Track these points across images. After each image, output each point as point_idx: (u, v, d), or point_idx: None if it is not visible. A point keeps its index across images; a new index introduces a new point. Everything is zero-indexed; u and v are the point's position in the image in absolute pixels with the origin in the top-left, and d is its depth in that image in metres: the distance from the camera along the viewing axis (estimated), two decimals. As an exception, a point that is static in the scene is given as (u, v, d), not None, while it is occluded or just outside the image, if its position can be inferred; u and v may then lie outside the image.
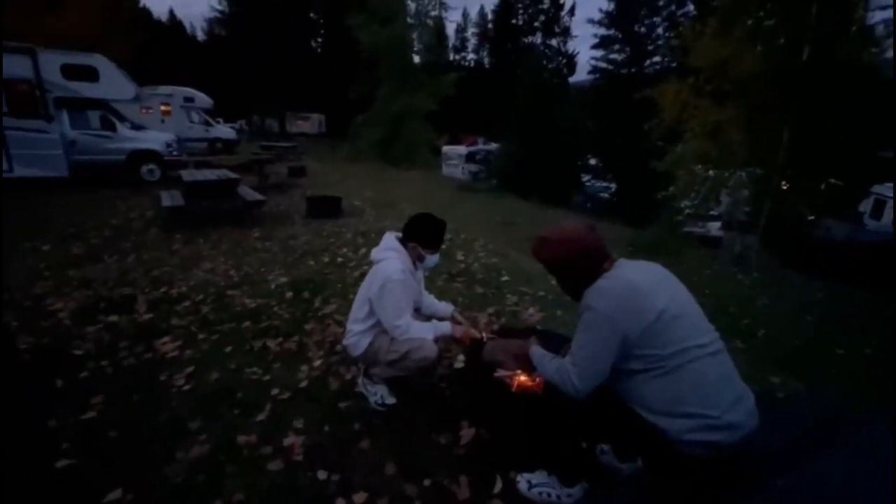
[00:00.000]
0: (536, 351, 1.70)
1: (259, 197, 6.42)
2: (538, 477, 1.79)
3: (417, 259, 2.22)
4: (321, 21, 35.04)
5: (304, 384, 2.48)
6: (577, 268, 1.48)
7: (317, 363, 2.70)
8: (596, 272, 1.45)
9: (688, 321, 1.37)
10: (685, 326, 1.35)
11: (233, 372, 2.58)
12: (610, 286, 1.39)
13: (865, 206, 17.26)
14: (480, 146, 26.18)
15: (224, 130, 18.40)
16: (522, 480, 1.80)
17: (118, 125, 9.34)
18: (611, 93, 21.63)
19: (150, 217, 6.45)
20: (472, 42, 42.91)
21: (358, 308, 2.24)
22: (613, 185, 19.55)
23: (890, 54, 11.08)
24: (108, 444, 2.03)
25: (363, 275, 4.29)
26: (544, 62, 23.92)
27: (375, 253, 2.22)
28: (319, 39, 35.72)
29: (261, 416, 2.20)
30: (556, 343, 2.46)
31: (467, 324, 2.39)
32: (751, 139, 10.68)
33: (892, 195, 16.22)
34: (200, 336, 2.99)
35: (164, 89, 16.71)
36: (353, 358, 2.34)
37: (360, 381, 2.43)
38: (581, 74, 28.91)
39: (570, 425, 1.61)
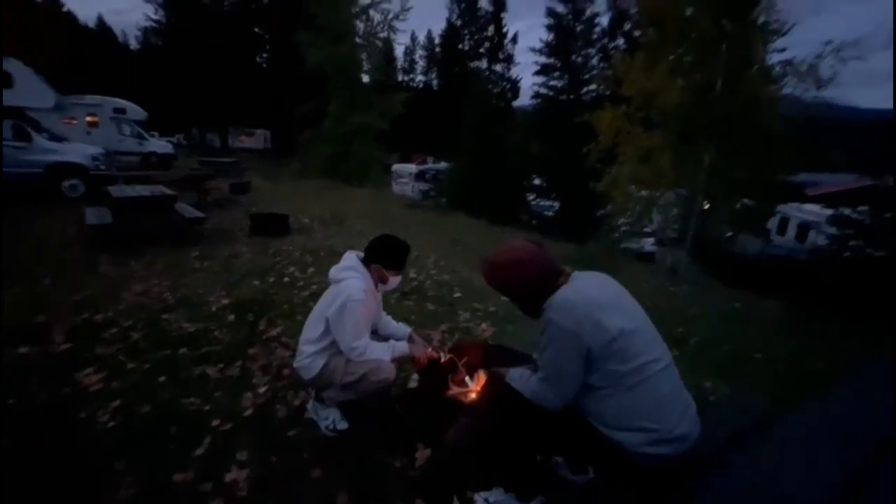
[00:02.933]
0: (514, 372, 1.70)
1: (198, 214, 6.07)
2: (495, 495, 1.78)
3: (380, 280, 2.18)
4: (266, 37, 34.35)
5: (248, 413, 2.33)
6: (532, 288, 1.51)
7: (262, 389, 2.55)
8: (552, 288, 1.49)
9: (643, 336, 1.43)
10: (641, 342, 1.41)
11: (167, 403, 2.38)
12: (571, 301, 1.42)
13: (773, 224, 19.20)
14: (430, 165, 26.49)
15: (159, 144, 17.33)
16: (480, 499, 1.78)
17: (34, 136, 8.53)
18: (552, 117, 22.72)
19: (71, 236, 5.89)
20: (420, 64, 43.78)
21: (312, 327, 2.15)
22: (556, 204, 20.42)
23: (787, 90, 12.52)
24: (9, 499, 1.79)
25: (312, 295, 4.19)
26: (490, 86, 24.78)
27: (335, 272, 2.16)
28: (265, 55, 34.93)
29: (199, 451, 2.03)
30: (510, 358, 2.52)
31: (424, 343, 2.36)
32: (677, 163, 11.60)
33: (794, 214, 18.08)
34: (130, 365, 2.74)
35: (91, 99, 15.56)
36: (304, 381, 2.24)
37: (309, 406, 2.33)
38: (524, 99, 30.24)
39: (527, 439, 1.63)
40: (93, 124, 15.22)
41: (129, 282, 4.23)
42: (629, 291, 1.58)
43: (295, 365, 2.20)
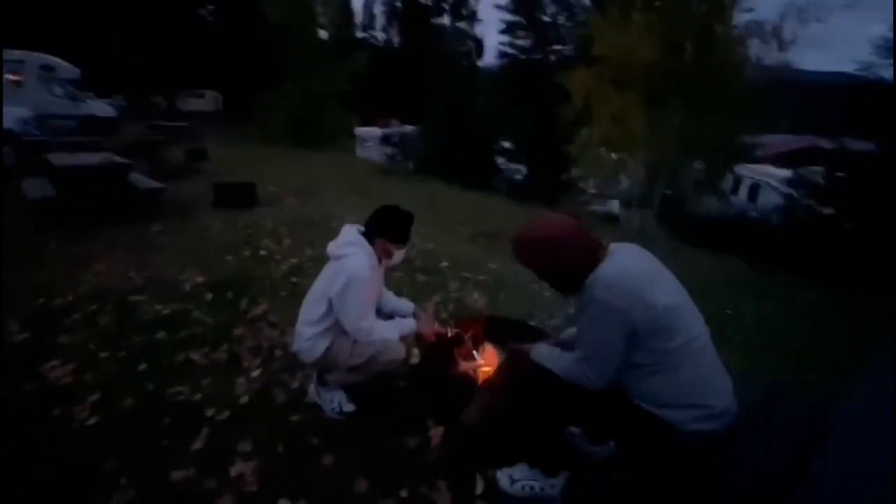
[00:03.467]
0: (541, 350, 1.61)
1: (156, 185, 5.59)
2: (519, 471, 1.74)
3: (384, 255, 2.03)
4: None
5: (244, 399, 2.18)
6: (573, 265, 1.41)
7: (255, 373, 2.39)
8: (592, 264, 1.39)
9: (687, 311, 1.38)
10: (686, 317, 1.37)
11: (152, 394, 2.19)
12: (617, 277, 1.34)
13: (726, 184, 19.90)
14: (395, 128, 25.68)
15: (99, 107, 15.76)
16: (504, 476, 1.74)
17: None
18: (520, 77, 22.28)
19: (9, 213, 5.29)
20: (379, 21, 41.52)
21: (312, 308, 2.00)
22: (521, 167, 20.37)
23: (751, 55, 12.71)
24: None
25: (292, 269, 3.98)
26: (456, 44, 23.93)
27: (335, 248, 1.98)
28: (210, 6, 32.02)
29: (197, 444, 1.88)
30: (515, 329, 2.46)
31: (431, 319, 2.25)
32: (647, 124, 11.72)
33: (745, 175, 18.77)
34: (102, 354, 2.49)
35: (12, 55, 13.82)
36: (304, 364, 2.10)
37: (311, 388, 2.20)
38: (489, 58, 29.39)
39: (555, 416, 1.58)
40: (16, 83, 13.60)
41: (88, 262, 3.85)
42: None
43: (294, 348, 2.05)
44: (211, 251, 4.26)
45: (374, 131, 23.95)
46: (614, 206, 17.99)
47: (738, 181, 20.54)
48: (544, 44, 25.21)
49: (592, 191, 17.42)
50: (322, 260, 4.11)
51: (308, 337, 1.98)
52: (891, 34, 10.32)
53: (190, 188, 6.99)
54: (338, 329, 1.98)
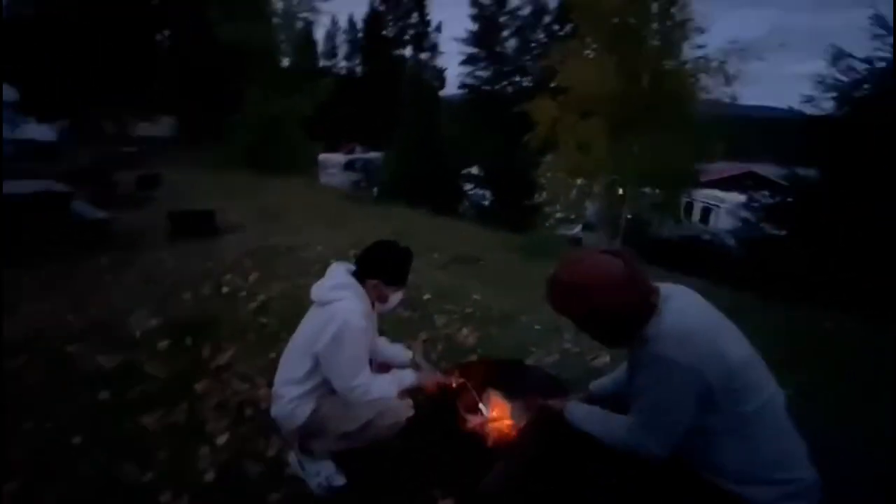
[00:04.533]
0: (579, 411, 1.37)
1: (102, 214, 5.06)
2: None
3: (378, 299, 1.75)
4: (167, 11, 30.60)
5: (209, 476, 1.81)
6: (626, 316, 1.19)
7: (222, 440, 2.01)
8: (647, 312, 1.19)
9: (759, 365, 1.19)
10: (760, 372, 1.17)
11: (90, 478, 1.77)
12: (687, 330, 1.13)
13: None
14: (359, 154, 25.48)
15: (39, 130, 14.70)
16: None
17: None
18: (483, 107, 22.80)
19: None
20: (342, 49, 41.85)
21: (293, 364, 1.69)
22: (488, 193, 20.58)
23: (699, 88, 13.49)
24: None
25: (262, 307, 3.58)
26: (422, 74, 24.31)
27: (322, 291, 1.69)
28: (166, 32, 31.18)
29: (148, 545, 1.50)
30: (527, 377, 2.22)
31: (431, 367, 1.98)
32: (610, 151, 12.09)
33: (697, 199, 19.76)
34: (26, 425, 2.04)
35: (-61, 75, 12.72)
36: (284, 431, 1.76)
37: (292, 458, 1.85)
38: (450, 89, 30.05)
39: (608, 489, 1.34)
40: (-56, 106, 12.46)
41: (17, 302, 3.32)
42: None
43: (273, 413, 1.72)
44: (165, 289, 3.81)
45: (338, 157, 23.68)
46: (576, 229, 18.39)
47: (690, 205, 21.59)
48: (504, 75, 26.09)
49: (558, 215, 17.73)
50: (293, 297, 3.82)
51: (289, 399, 1.66)
52: (826, 71, 11.23)
53: (142, 218, 6.43)
54: (325, 388, 1.68)
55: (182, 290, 3.76)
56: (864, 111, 10.97)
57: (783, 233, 12.71)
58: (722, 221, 19.92)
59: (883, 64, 10.85)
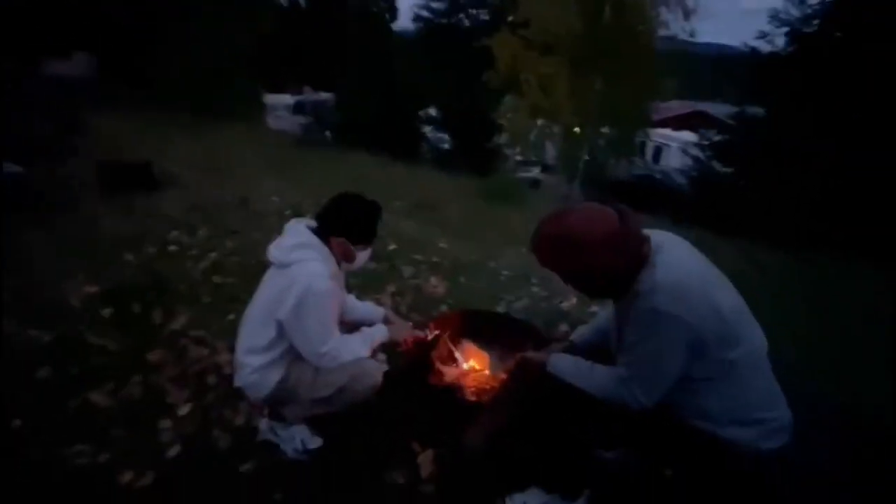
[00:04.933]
0: (562, 362, 1.34)
1: (16, 168, 4.45)
2: (534, 497, 1.51)
3: (344, 258, 1.61)
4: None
5: (174, 451, 1.70)
6: (617, 270, 1.13)
7: (184, 411, 1.89)
8: (639, 264, 1.13)
9: (745, 312, 1.17)
10: (748, 319, 1.16)
11: (40, 462, 1.62)
12: (678, 281, 1.09)
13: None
14: (309, 95, 23.83)
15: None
16: (517, 505, 1.50)
17: None
18: (439, 42, 21.53)
19: None
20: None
21: (255, 332, 1.56)
22: (446, 136, 20.01)
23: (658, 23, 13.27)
24: None
25: (213, 266, 3.34)
26: (370, 5, 22.46)
27: (281, 252, 1.53)
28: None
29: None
30: (500, 325, 2.19)
31: (400, 320, 1.90)
32: (571, 91, 11.87)
33: (651, 139, 20.15)
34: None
35: None
36: (252, 400, 1.66)
37: (262, 424, 1.77)
38: (404, 22, 28.01)
39: (590, 437, 1.35)
40: None
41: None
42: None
43: (237, 383, 1.61)
44: (103, 251, 3.45)
45: (286, 99, 22.07)
46: (537, 171, 18.45)
47: (643, 145, 22.03)
48: (460, 7, 24.54)
49: (518, 158, 17.62)
50: (248, 251, 3.58)
51: (254, 369, 1.55)
52: (781, 6, 11.26)
53: (66, 170, 5.74)
54: (293, 354, 1.57)
55: (122, 252, 3.42)
56: (812, 48, 11.21)
57: (730, 170, 13.27)
58: (673, 160, 20.56)
59: (833, -2, 10.98)
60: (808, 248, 8.43)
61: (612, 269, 1.12)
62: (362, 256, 1.65)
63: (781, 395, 1.20)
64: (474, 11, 24.59)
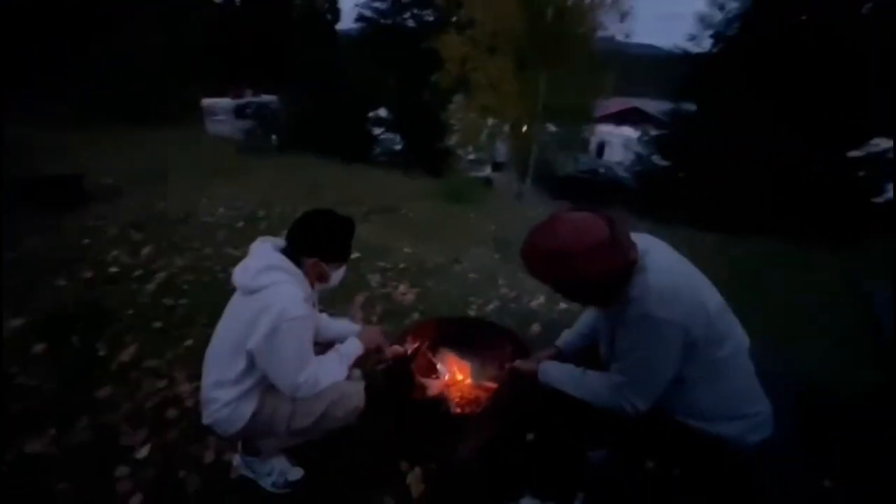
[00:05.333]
0: (554, 371, 1.31)
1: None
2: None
3: (318, 279, 1.50)
4: None
5: (135, 501, 1.53)
6: (609, 280, 1.12)
7: (143, 453, 1.72)
8: (629, 271, 1.12)
9: (728, 311, 1.20)
10: (729, 318, 1.19)
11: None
12: (673, 287, 1.10)
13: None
14: (250, 98, 22.84)
15: None
16: (513, 516, 1.47)
17: None
18: (385, 43, 21.28)
19: None
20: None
21: (223, 363, 1.42)
22: (398, 137, 19.85)
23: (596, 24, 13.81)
24: None
25: (164, 286, 3.09)
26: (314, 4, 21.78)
27: (248, 276, 1.39)
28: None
29: None
30: (479, 331, 2.15)
31: (372, 327, 1.81)
32: (518, 89, 12.11)
33: (594, 135, 20.97)
34: None
35: None
36: (224, 436, 1.53)
37: (236, 460, 1.64)
38: (347, 22, 27.49)
39: (585, 441, 1.34)
40: None
41: None
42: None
43: (206, 421, 1.46)
44: (29, 277, 3.10)
45: (226, 103, 21.01)
46: (489, 170, 18.69)
47: (586, 140, 22.89)
48: (403, 7, 24.41)
49: (470, 157, 17.74)
50: (201, 270, 3.35)
51: (224, 403, 1.41)
52: (708, 10, 12.06)
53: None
54: (266, 383, 1.45)
55: (53, 276, 3.09)
56: (735, 49, 12.08)
57: (668, 163, 14.06)
58: (616, 155, 21.52)
59: (749, 2, 11.89)
60: (742, 231, 9.06)
61: (603, 277, 1.11)
62: (337, 276, 1.55)
63: (761, 389, 1.25)
64: (418, 12, 24.57)
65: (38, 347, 2.30)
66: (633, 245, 1.16)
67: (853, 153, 10.81)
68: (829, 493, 1.57)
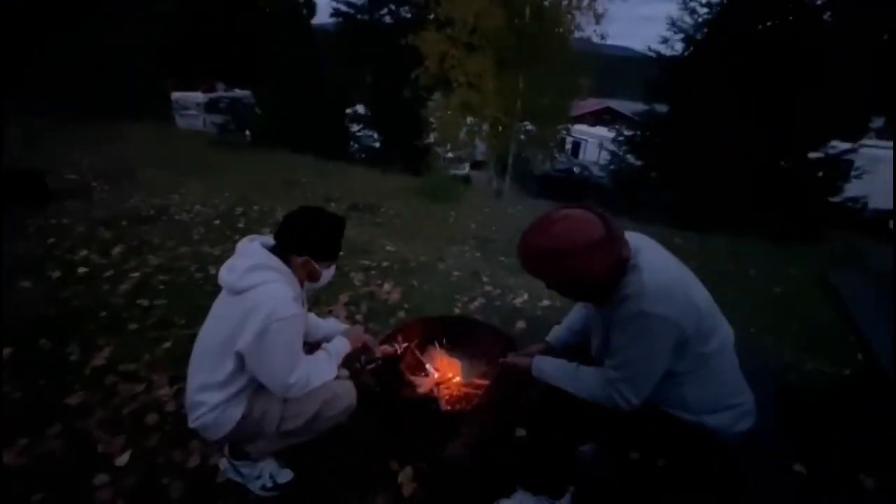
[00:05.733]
0: (547, 365, 1.33)
1: None
2: (522, 501, 1.50)
3: (308, 278, 1.48)
4: None
5: (116, 510, 1.47)
6: (603, 276, 1.14)
7: (123, 460, 1.65)
8: (617, 265, 1.15)
9: (714, 306, 1.24)
10: (715, 313, 1.23)
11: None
12: (666, 285, 1.13)
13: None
14: (222, 93, 22.25)
15: None
16: (504, 509, 1.49)
17: None
18: (362, 38, 21.05)
19: None
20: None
21: (209, 367, 1.38)
22: (376, 134, 19.68)
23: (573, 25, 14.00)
24: None
25: (138, 287, 2.98)
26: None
27: (235, 276, 1.36)
28: None
29: None
30: (467, 330, 2.16)
31: (356, 326, 1.80)
32: (498, 88, 12.15)
33: (570, 135, 21.33)
34: None
35: None
36: (209, 441, 1.49)
37: (223, 463, 1.60)
38: (322, 17, 27.05)
39: (576, 435, 1.37)
40: None
41: None
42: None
43: (192, 425, 1.41)
44: (-6, 277, 2.94)
45: (197, 97, 20.44)
46: (467, 168, 18.75)
47: (563, 140, 23.23)
48: (380, 3, 24.19)
49: (449, 155, 17.73)
50: (177, 269, 3.24)
51: (211, 407, 1.37)
52: (680, 13, 12.38)
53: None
54: (253, 386, 1.42)
55: (17, 278, 2.93)
56: (704, 52, 12.44)
57: (641, 163, 14.39)
58: (590, 154, 21.89)
59: (719, 8, 12.27)
60: (713, 229, 9.36)
61: (597, 274, 1.13)
62: (327, 274, 1.52)
63: (745, 380, 1.30)
64: (395, 8, 24.40)
65: (4, 352, 2.18)
66: (626, 243, 1.18)
67: (813, 154, 11.29)
68: (801, 478, 1.65)
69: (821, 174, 11.47)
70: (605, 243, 1.11)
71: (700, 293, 1.20)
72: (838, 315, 4.10)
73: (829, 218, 11.10)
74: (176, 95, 19.81)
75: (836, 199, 11.37)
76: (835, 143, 11.36)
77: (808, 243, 8.82)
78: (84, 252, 3.41)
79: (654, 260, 1.18)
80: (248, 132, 16.80)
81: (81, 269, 3.13)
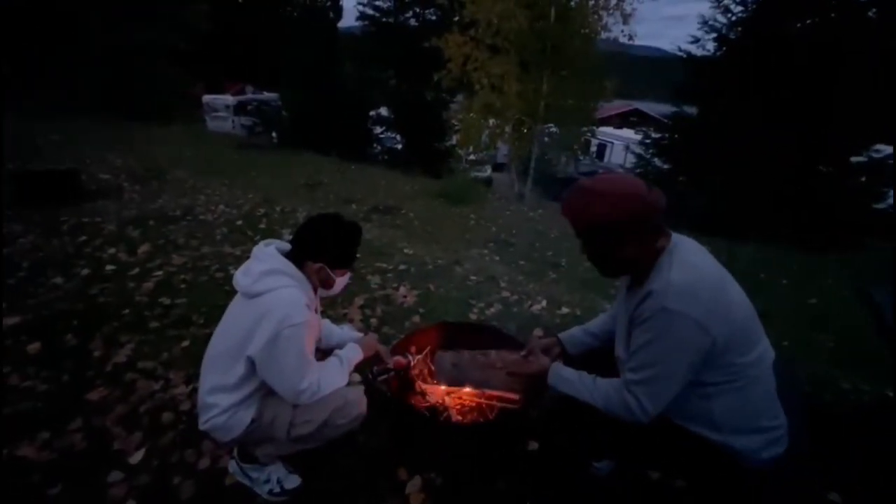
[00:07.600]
0: (563, 372, 1.28)
1: None
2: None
3: (322, 285, 1.47)
4: None
5: (128, 507, 1.49)
6: (634, 234, 1.12)
7: (137, 458, 1.68)
8: (651, 247, 1.13)
9: (755, 318, 1.16)
10: (755, 326, 1.15)
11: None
12: (694, 284, 1.07)
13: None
14: (251, 95, 22.81)
15: None
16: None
17: None
18: (387, 41, 21.25)
19: None
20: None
21: (222, 369, 1.38)
22: (398, 136, 19.81)
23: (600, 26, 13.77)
24: None
25: (161, 285, 3.04)
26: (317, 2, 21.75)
27: (250, 280, 1.36)
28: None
29: None
30: (488, 338, 2.11)
31: (370, 334, 1.78)
32: (521, 90, 12.05)
33: (595, 137, 21.01)
34: None
35: None
36: (221, 443, 1.49)
37: (232, 467, 1.60)
38: (349, 20, 27.46)
39: (593, 451, 1.31)
40: None
41: None
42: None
43: (202, 427, 1.42)
44: (24, 274, 3.06)
45: (227, 99, 21.01)
46: (489, 170, 18.67)
47: (588, 142, 22.87)
48: (406, 6, 24.38)
49: (471, 157, 17.70)
50: (199, 270, 3.30)
51: (223, 409, 1.37)
52: (712, 12, 12.03)
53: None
54: (266, 390, 1.41)
55: (50, 273, 3.04)
56: (738, 52, 12.03)
57: (669, 167, 14.02)
58: (617, 157, 21.47)
59: (755, 6, 11.85)
60: (743, 236, 9.03)
61: (635, 227, 1.11)
62: (341, 282, 1.51)
63: (780, 404, 1.21)
64: (420, 10, 24.56)
65: (32, 347, 2.26)
66: (667, 232, 1.16)
67: (856, 159, 10.77)
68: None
69: (863, 179, 10.93)
70: (643, 198, 1.10)
71: (738, 301, 1.12)
72: (878, 329, 3.87)
73: (872, 225, 10.56)
74: (206, 98, 20.42)
75: (879, 206, 10.81)
76: (879, 146, 10.81)
77: (845, 252, 8.41)
78: (112, 250, 3.51)
79: (687, 259, 1.12)
80: (274, 134, 17.18)
81: (109, 267, 3.22)
